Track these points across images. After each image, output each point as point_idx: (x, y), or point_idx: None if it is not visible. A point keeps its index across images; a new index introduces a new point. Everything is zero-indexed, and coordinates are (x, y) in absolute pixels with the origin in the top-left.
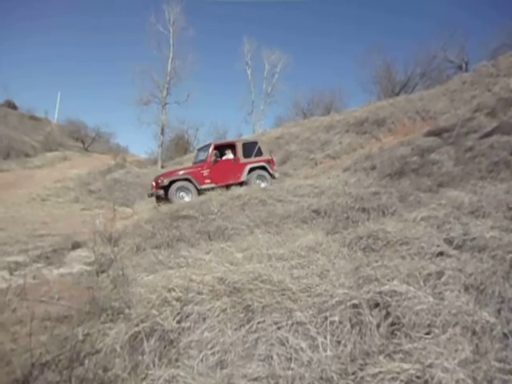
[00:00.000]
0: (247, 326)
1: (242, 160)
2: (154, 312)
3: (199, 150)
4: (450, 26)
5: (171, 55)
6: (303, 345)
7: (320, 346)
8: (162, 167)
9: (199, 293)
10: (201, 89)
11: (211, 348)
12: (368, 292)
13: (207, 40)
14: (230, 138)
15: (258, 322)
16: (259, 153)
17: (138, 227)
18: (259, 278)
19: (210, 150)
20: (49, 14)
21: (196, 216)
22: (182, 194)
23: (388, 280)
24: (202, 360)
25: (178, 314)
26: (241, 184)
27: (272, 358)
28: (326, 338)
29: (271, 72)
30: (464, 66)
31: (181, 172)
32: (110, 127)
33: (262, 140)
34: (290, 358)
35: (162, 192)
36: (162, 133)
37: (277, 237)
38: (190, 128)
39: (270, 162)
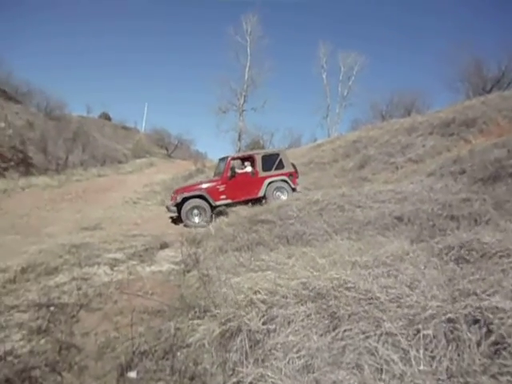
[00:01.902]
0: (333, 333)
1: (261, 174)
2: (241, 312)
3: (221, 160)
4: None
5: (248, 64)
6: (394, 357)
7: (412, 359)
8: None
9: (284, 296)
10: (276, 95)
11: (297, 352)
12: (465, 307)
13: (282, 46)
14: (303, 143)
15: (345, 330)
16: (281, 165)
17: (220, 230)
18: (344, 285)
19: (227, 163)
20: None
21: (274, 220)
22: (194, 211)
23: (488, 295)
24: (288, 362)
25: (264, 315)
26: (259, 200)
27: (361, 367)
28: (418, 351)
29: (347, 75)
30: None
31: (197, 187)
32: (191, 134)
33: (338, 144)
34: (381, 369)
35: (175, 209)
36: (239, 139)
37: (358, 243)
38: (266, 134)
39: (292, 175)
